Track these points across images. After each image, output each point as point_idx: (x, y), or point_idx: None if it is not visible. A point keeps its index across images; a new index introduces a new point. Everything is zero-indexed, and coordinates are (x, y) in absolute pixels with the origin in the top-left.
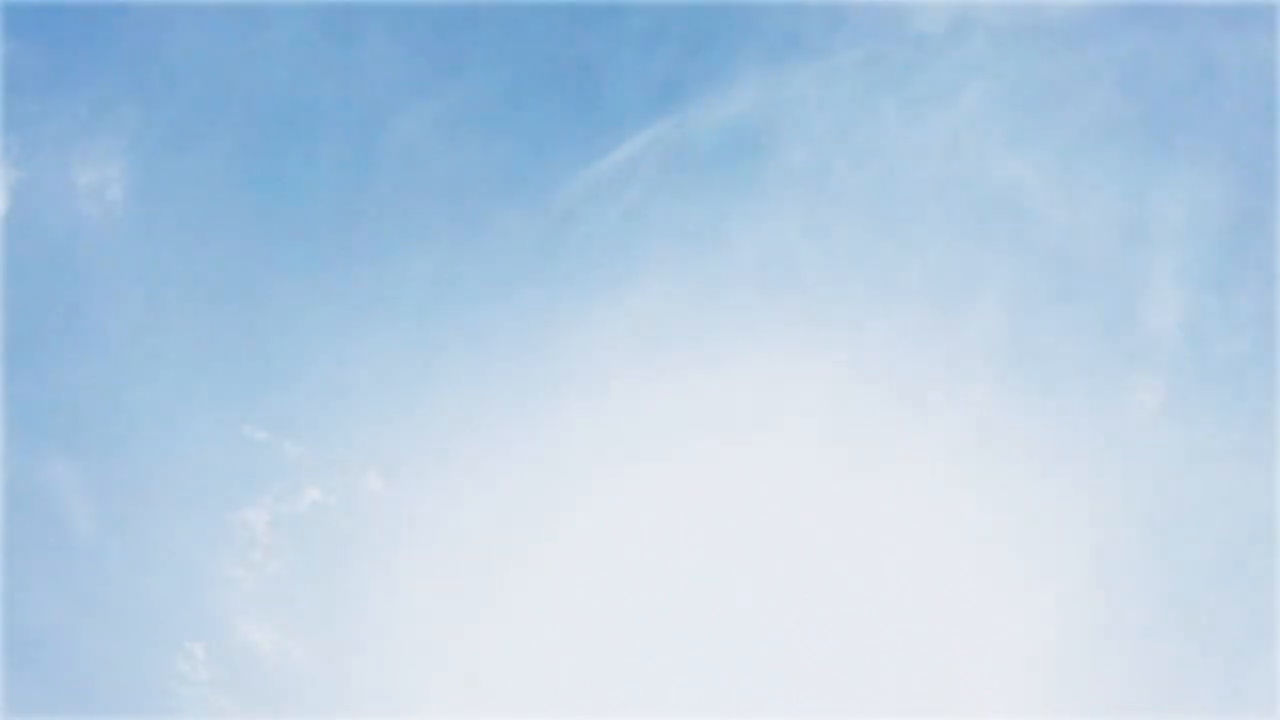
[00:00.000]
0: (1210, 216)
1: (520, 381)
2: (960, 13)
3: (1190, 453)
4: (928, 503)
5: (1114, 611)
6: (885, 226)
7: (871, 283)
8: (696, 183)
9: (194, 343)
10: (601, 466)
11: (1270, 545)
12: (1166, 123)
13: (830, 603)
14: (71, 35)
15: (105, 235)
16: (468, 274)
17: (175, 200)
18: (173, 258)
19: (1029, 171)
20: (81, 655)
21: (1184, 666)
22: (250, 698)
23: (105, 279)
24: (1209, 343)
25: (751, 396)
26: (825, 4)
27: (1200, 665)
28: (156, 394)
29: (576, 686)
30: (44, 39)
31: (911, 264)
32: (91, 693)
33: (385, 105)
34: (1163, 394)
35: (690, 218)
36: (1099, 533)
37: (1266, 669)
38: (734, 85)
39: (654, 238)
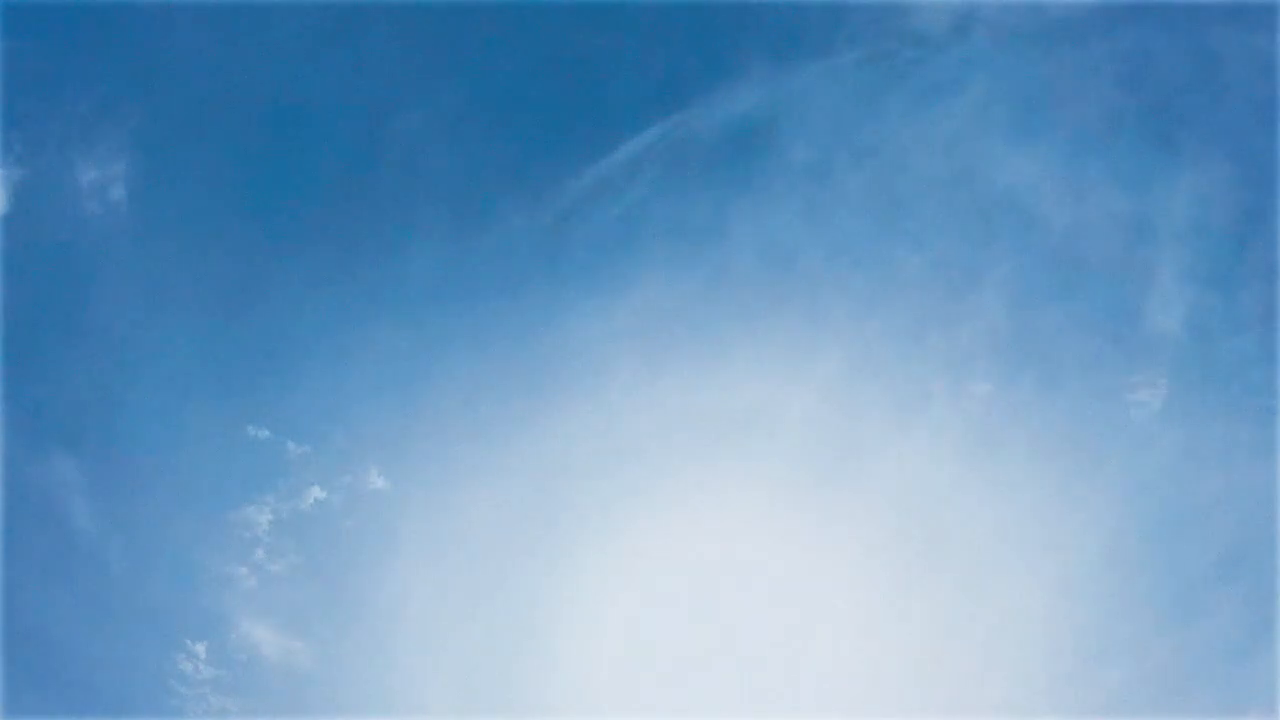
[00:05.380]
0: (1212, 214)
1: (522, 380)
2: (961, 11)
3: (1192, 451)
4: (928, 499)
5: (1114, 611)
6: (887, 223)
7: (874, 279)
8: (698, 180)
9: (196, 342)
10: (603, 463)
11: (1270, 545)
12: (1168, 120)
13: (830, 599)
14: (71, 35)
15: (106, 234)
16: (469, 273)
17: (176, 199)
18: (174, 257)
19: (1031, 169)
20: (81, 655)
21: (1184, 666)
22: (252, 697)
23: (106, 278)
24: (1211, 340)
25: (753, 392)
26: (827, 2)
27: (1200, 665)
28: (158, 393)
29: (576, 685)
30: (44, 39)
31: (914, 261)
32: (92, 693)
33: (385, 105)
34: (1165, 392)
35: (692, 215)
36: (1100, 530)
37: (1266, 669)
38: (736, 83)
39: (656, 235)
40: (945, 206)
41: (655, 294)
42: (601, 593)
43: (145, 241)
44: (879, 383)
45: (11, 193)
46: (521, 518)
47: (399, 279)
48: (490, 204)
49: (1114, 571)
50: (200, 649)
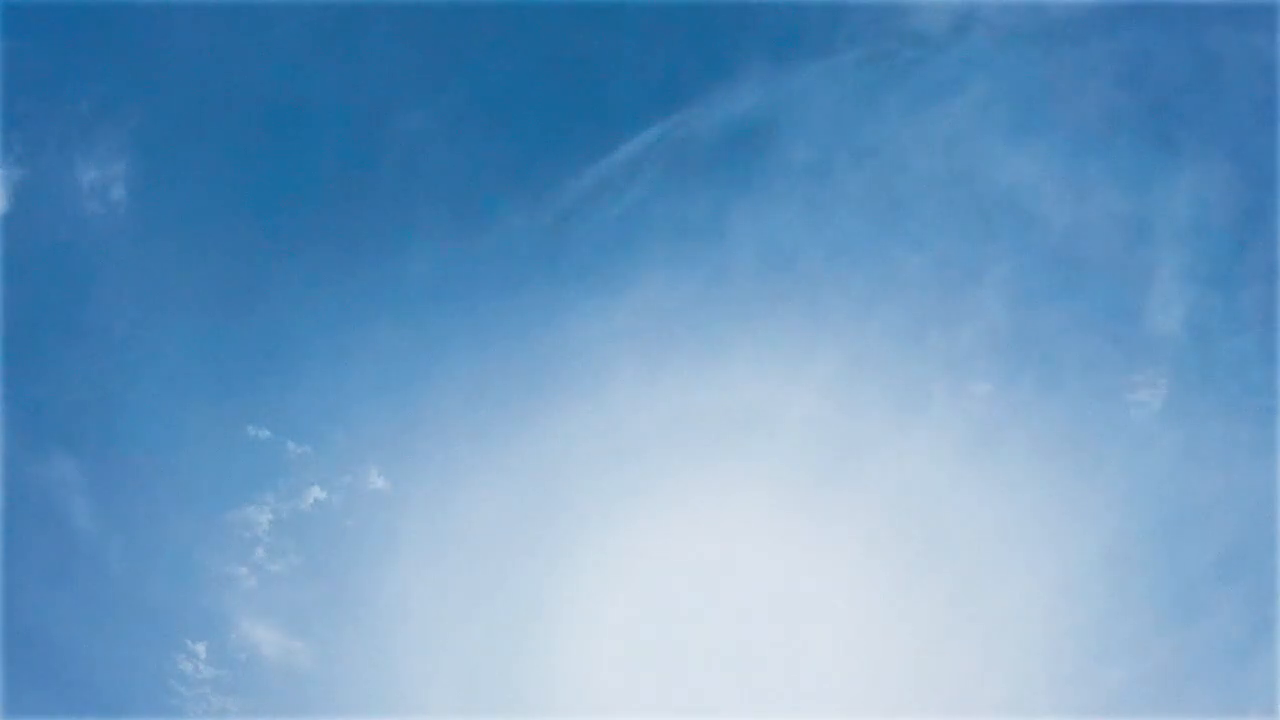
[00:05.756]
0: (1212, 214)
1: (522, 379)
2: (961, 11)
3: (1192, 451)
4: (928, 499)
5: (1114, 611)
6: (887, 223)
7: (873, 279)
8: (698, 180)
9: (196, 342)
10: (603, 463)
11: (1270, 545)
12: (1168, 120)
13: (830, 599)
14: (71, 35)
15: (106, 234)
16: (469, 272)
17: (176, 199)
18: (174, 257)
19: (1031, 168)
20: (81, 655)
21: (1184, 666)
22: (252, 697)
23: (106, 278)
24: (1211, 340)
25: (753, 392)
26: (827, 2)
27: (1200, 665)
28: (158, 393)
29: (576, 685)
30: (44, 39)
31: (913, 261)
32: (91, 693)
33: (385, 105)
34: (1165, 391)
35: (692, 215)
36: (1100, 530)
37: (1266, 669)
38: (736, 83)
39: (656, 235)
40: (945, 206)
41: (655, 294)
42: (601, 593)
43: (145, 241)
44: (879, 383)
45: (11, 193)
46: (521, 518)
47: (399, 279)
48: (490, 204)
49: (1114, 571)
50: (200, 649)
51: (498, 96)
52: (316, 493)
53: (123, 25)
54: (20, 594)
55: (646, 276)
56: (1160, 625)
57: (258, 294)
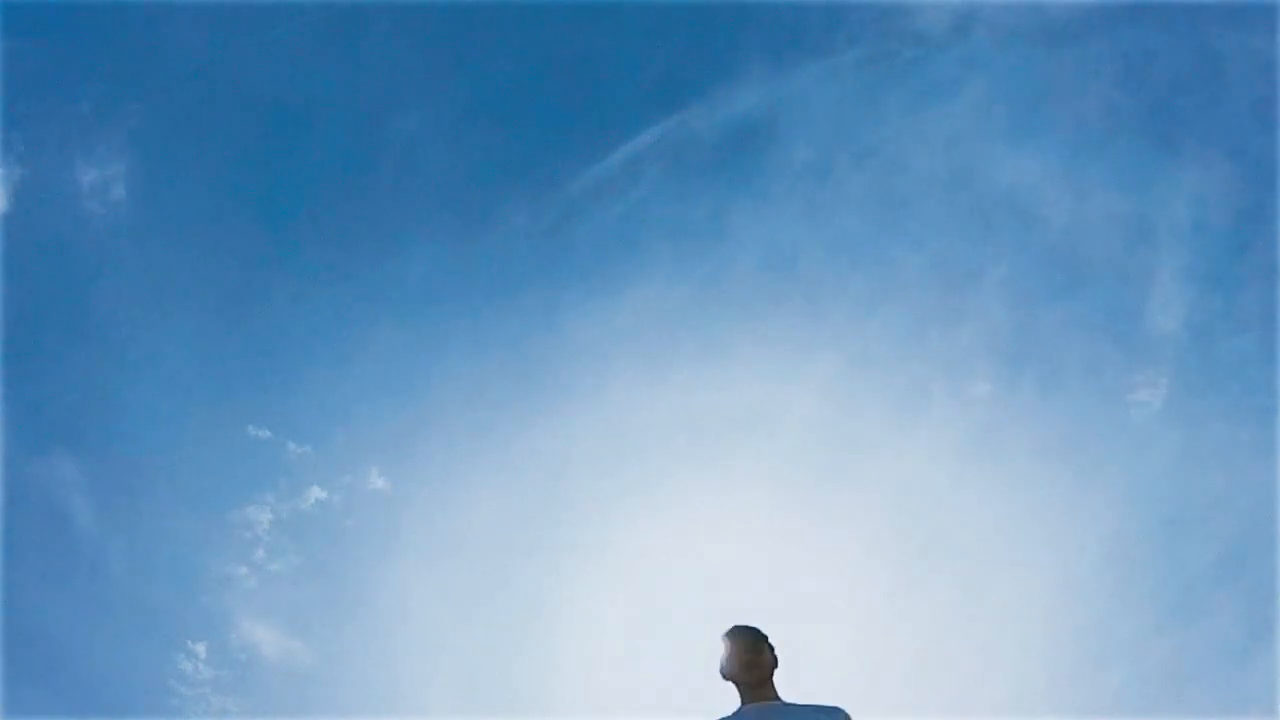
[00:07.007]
0: (1212, 213)
1: (522, 379)
2: (961, 11)
3: (1192, 451)
4: (928, 501)
5: (1114, 611)
6: (887, 224)
7: (874, 280)
8: (699, 180)
9: (196, 341)
10: (603, 463)
11: (1270, 545)
12: (1168, 120)
13: (830, 599)
14: (71, 35)
15: (106, 234)
16: (470, 272)
17: (177, 199)
18: (174, 257)
19: (1031, 168)
20: (81, 655)
21: (1184, 666)
22: (252, 697)
23: (106, 278)
24: (1212, 340)
25: (753, 392)
26: (827, 2)
27: (1200, 665)
28: (158, 393)
29: (576, 685)
30: (44, 39)
31: (914, 262)
32: (91, 693)
33: (385, 105)
34: (1165, 392)
35: (693, 215)
36: (1100, 531)
37: (1266, 669)
38: (736, 83)
39: (657, 235)
40: (945, 206)
41: (655, 294)
42: (601, 593)
43: (145, 241)
44: (879, 383)
45: (11, 193)
46: (521, 518)
47: (399, 279)
48: (490, 204)
49: (1114, 571)
50: (200, 649)
51: (498, 96)
52: (316, 493)
53: (123, 25)
54: (20, 594)
55: (646, 276)
56: (1160, 625)
57: (258, 294)
